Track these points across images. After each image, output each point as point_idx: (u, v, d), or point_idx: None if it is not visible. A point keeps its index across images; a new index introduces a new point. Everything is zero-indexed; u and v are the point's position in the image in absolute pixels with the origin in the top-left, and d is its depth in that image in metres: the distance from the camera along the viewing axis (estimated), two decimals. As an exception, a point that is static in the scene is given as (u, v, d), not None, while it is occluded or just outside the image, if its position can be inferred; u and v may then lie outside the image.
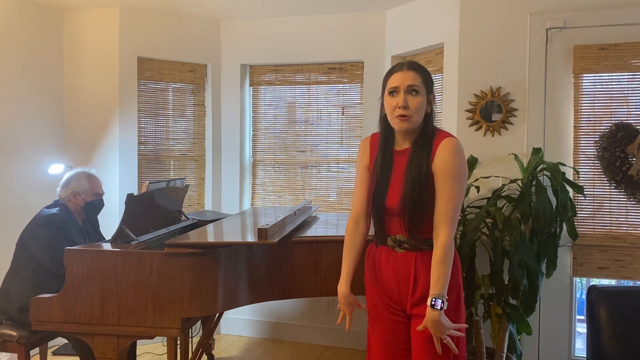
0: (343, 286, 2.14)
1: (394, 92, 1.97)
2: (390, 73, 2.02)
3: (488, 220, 3.15)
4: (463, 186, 1.98)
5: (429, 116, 2.02)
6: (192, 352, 3.38)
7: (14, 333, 2.84)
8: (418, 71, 1.98)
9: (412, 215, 1.96)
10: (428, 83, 2.00)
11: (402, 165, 2.02)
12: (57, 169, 3.95)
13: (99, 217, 3.36)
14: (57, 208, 3.05)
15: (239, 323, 4.48)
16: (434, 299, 1.90)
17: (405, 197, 1.96)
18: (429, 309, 1.91)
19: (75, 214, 3.13)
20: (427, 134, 2.01)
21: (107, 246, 2.70)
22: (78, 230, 3.10)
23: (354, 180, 2.21)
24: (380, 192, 2.02)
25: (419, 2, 3.87)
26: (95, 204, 3.18)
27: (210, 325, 3.50)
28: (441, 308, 1.89)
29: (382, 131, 2.09)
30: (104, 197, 3.26)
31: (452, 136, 2.01)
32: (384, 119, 2.06)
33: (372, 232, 2.19)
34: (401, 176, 2.00)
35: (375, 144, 2.12)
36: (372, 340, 2.15)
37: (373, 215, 2.08)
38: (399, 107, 1.94)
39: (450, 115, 3.60)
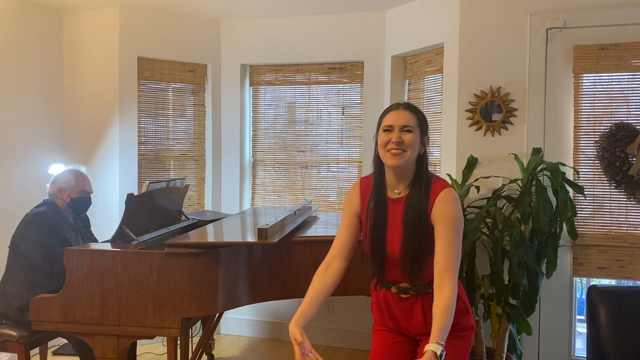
0: (293, 325, 1.94)
1: (388, 130, 1.97)
2: (385, 112, 2.02)
3: (488, 220, 3.15)
4: (461, 236, 1.96)
5: (422, 158, 2.00)
6: (192, 352, 3.38)
7: (14, 333, 2.84)
8: (413, 112, 1.98)
9: (414, 263, 1.95)
10: (422, 125, 1.99)
11: (398, 213, 1.99)
12: (57, 169, 3.95)
13: (95, 216, 3.35)
14: (45, 206, 3.05)
15: (239, 323, 4.48)
16: (442, 350, 1.77)
17: (407, 245, 1.94)
18: (433, 355, 1.76)
19: (64, 211, 3.11)
20: (421, 179, 1.98)
21: (107, 246, 2.70)
22: (69, 227, 3.09)
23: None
24: (379, 242, 2.00)
25: (419, 2, 3.87)
26: (82, 202, 3.15)
27: (210, 325, 3.50)
28: (441, 357, 1.78)
29: (375, 173, 2.05)
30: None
31: (450, 185, 2.00)
32: (377, 159, 2.03)
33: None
34: (399, 224, 1.97)
35: (366, 191, 2.08)
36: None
37: (373, 264, 2.06)
38: (392, 142, 1.94)
39: (450, 115, 3.60)
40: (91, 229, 3.35)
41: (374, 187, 2.05)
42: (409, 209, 1.96)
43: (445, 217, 1.92)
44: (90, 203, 3.23)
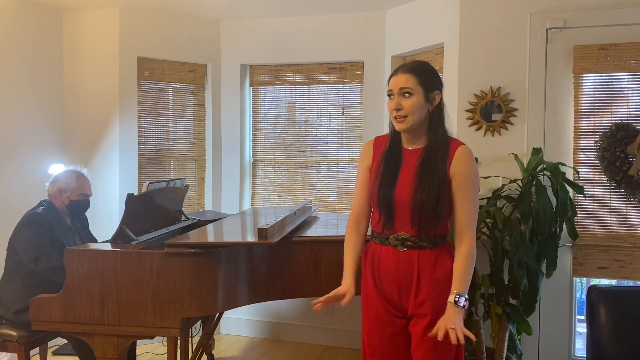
0: (351, 291, 2.09)
1: (390, 95, 2.04)
2: (390, 76, 2.07)
3: (488, 220, 3.15)
4: (478, 191, 2.07)
5: (432, 114, 2.04)
6: (192, 352, 3.38)
7: (14, 333, 2.84)
8: (413, 72, 2.00)
9: (427, 212, 1.98)
10: (426, 83, 2.01)
11: (413, 163, 2.04)
12: (57, 169, 3.95)
13: (95, 216, 3.34)
14: (42, 207, 3.01)
15: (239, 323, 4.48)
16: (457, 297, 1.94)
17: (420, 192, 1.98)
18: (451, 306, 1.94)
19: (62, 212, 3.08)
20: (437, 135, 2.04)
21: (107, 246, 2.70)
22: (66, 229, 3.06)
23: (355, 181, 2.22)
24: (388, 186, 2.03)
25: (419, 2, 3.87)
26: (80, 204, 3.12)
27: (210, 325, 3.50)
28: (464, 306, 1.94)
29: (391, 130, 2.12)
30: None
31: (464, 143, 2.07)
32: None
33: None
34: (412, 173, 2.02)
35: (379, 146, 2.15)
36: (368, 346, 2.14)
37: (378, 210, 2.07)
38: (394, 110, 2.01)
39: (450, 115, 3.59)
40: (89, 228, 3.34)
41: (389, 140, 2.11)
42: (426, 159, 2.01)
43: (464, 174, 1.99)
44: (89, 206, 3.20)
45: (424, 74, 2.02)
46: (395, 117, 2.01)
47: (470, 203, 2.00)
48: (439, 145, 2.02)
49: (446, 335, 1.92)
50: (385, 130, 2.20)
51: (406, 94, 1.99)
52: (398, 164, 2.05)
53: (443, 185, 1.98)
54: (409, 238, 2.02)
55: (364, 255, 2.16)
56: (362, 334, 2.17)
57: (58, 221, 3.03)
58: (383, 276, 2.07)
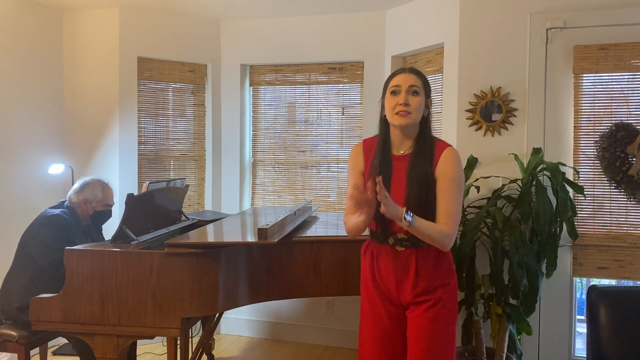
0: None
1: (395, 91, 2.07)
2: (392, 75, 2.12)
3: (488, 220, 3.15)
4: (462, 192, 2.10)
5: (426, 120, 2.11)
6: (192, 352, 3.38)
7: (14, 333, 2.84)
8: (419, 75, 2.11)
9: (419, 216, 2.00)
10: (427, 88, 2.12)
11: (402, 169, 2.08)
12: (57, 169, 3.96)
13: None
14: (61, 209, 3.05)
15: (239, 323, 4.47)
16: (411, 212, 1.93)
17: (412, 199, 2.02)
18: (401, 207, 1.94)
19: (82, 217, 3.14)
20: (425, 139, 2.10)
21: (107, 246, 2.70)
22: (81, 233, 3.09)
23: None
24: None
25: (419, 2, 3.87)
26: (103, 214, 3.20)
27: (210, 325, 3.50)
28: (405, 219, 1.91)
29: (381, 133, 2.14)
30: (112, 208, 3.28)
31: (451, 145, 2.11)
32: (383, 120, 2.14)
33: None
34: (403, 180, 2.06)
35: (369, 150, 2.17)
36: (365, 337, 2.16)
37: (375, 220, 2.11)
38: (400, 104, 2.04)
39: (450, 115, 3.60)
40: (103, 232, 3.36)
41: (378, 145, 2.14)
42: (413, 165, 2.06)
43: (448, 174, 2.03)
44: (111, 216, 3.26)
45: (425, 80, 2.12)
46: (399, 112, 2.04)
47: (452, 201, 2.02)
48: (426, 151, 2.07)
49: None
50: None
51: (414, 93, 2.05)
52: (390, 172, 2.09)
53: (431, 187, 2.03)
54: (407, 238, 2.07)
55: (363, 254, 2.20)
56: (359, 329, 2.19)
57: (76, 224, 3.08)
58: (382, 272, 2.11)
